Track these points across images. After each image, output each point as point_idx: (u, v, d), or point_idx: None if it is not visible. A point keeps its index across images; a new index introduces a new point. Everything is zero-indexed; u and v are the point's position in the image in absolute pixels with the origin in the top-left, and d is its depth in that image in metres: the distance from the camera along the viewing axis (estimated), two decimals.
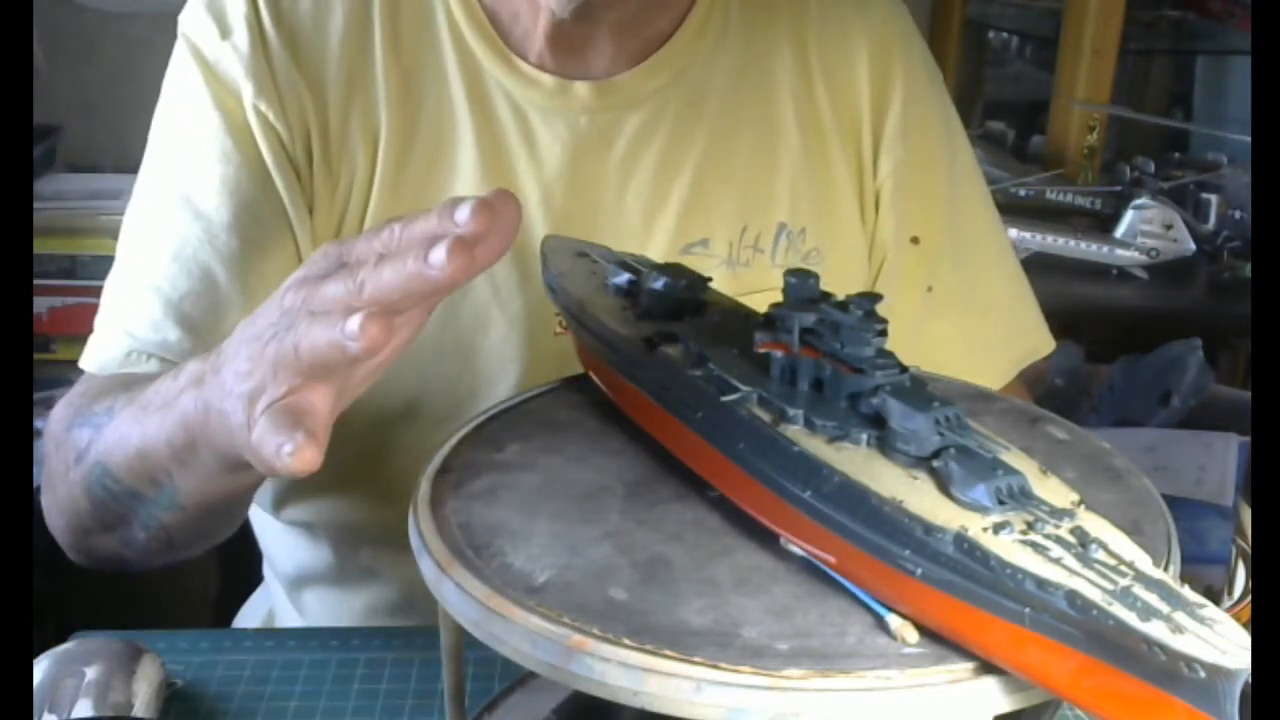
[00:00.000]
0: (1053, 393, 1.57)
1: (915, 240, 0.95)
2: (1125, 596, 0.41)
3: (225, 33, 0.86)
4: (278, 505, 0.95)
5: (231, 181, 0.85)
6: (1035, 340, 1.01)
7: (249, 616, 1.12)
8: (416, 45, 0.88)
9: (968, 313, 0.97)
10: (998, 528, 0.44)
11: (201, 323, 0.84)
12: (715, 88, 0.92)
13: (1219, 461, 1.25)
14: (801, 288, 0.56)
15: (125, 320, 0.86)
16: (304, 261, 0.61)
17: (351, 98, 0.87)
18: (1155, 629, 0.39)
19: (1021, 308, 1.01)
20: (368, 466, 0.96)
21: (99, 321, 0.88)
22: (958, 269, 0.97)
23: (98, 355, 0.87)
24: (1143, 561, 0.43)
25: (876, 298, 0.54)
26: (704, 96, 0.91)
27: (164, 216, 0.86)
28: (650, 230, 0.89)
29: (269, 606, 1.07)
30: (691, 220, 0.90)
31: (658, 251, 0.88)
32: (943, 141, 0.98)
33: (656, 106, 0.90)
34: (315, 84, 0.86)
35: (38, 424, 1.40)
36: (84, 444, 0.79)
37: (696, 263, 0.77)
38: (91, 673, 0.69)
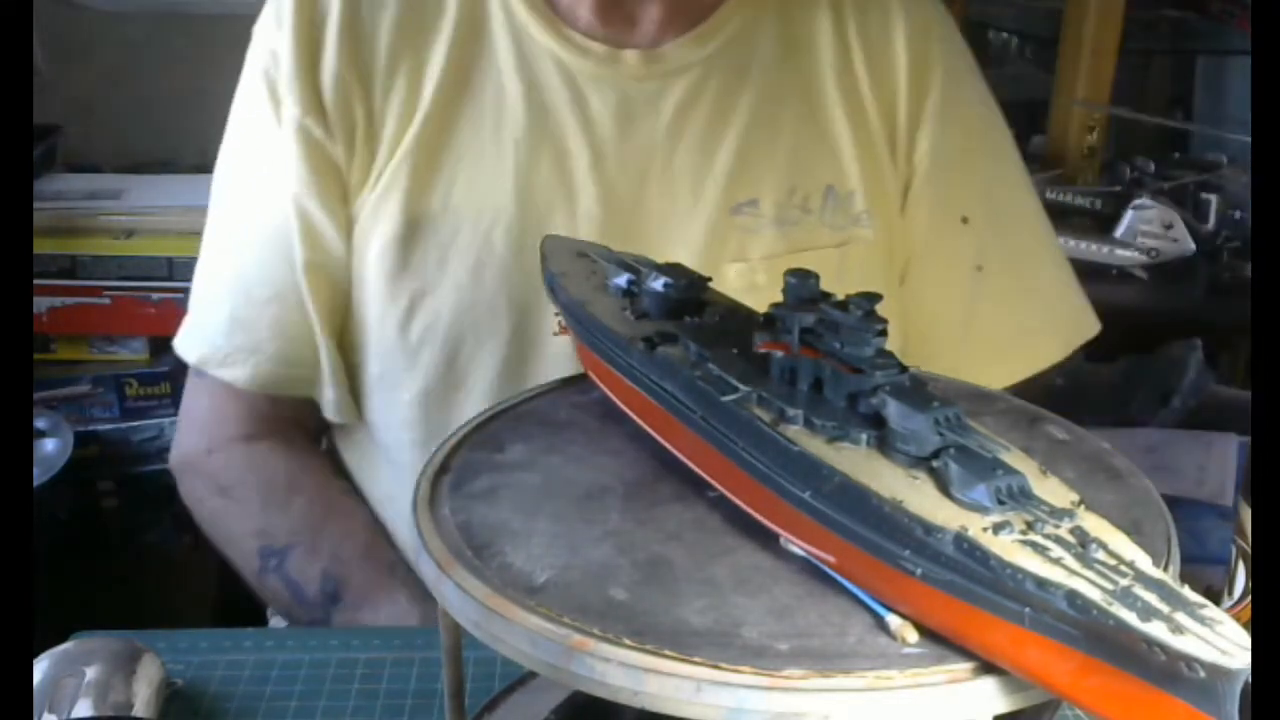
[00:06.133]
0: (1052, 393, 1.56)
1: (965, 220, 0.96)
2: (1125, 596, 0.41)
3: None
4: None
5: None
6: (1083, 322, 1.02)
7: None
8: (468, 19, 0.90)
9: (1017, 295, 0.98)
10: (998, 528, 0.44)
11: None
12: (760, 55, 0.93)
13: (1219, 461, 1.25)
14: (801, 288, 0.56)
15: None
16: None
17: (395, 75, 0.90)
18: (1155, 629, 0.39)
19: (1067, 290, 1.02)
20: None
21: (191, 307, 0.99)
22: (1005, 250, 0.98)
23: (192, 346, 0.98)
24: (1143, 561, 0.43)
25: (876, 298, 0.54)
26: (748, 64, 0.93)
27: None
28: (699, 193, 0.90)
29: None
30: (739, 182, 0.91)
31: (708, 212, 0.90)
32: (985, 123, 0.99)
33: (702, 73, 0.92)
34: (363, 77, 0.90)
35: (38, 424, 1.40)
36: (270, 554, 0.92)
37: (746, 224, 0.79)
38: (91, 673, 0.69)
